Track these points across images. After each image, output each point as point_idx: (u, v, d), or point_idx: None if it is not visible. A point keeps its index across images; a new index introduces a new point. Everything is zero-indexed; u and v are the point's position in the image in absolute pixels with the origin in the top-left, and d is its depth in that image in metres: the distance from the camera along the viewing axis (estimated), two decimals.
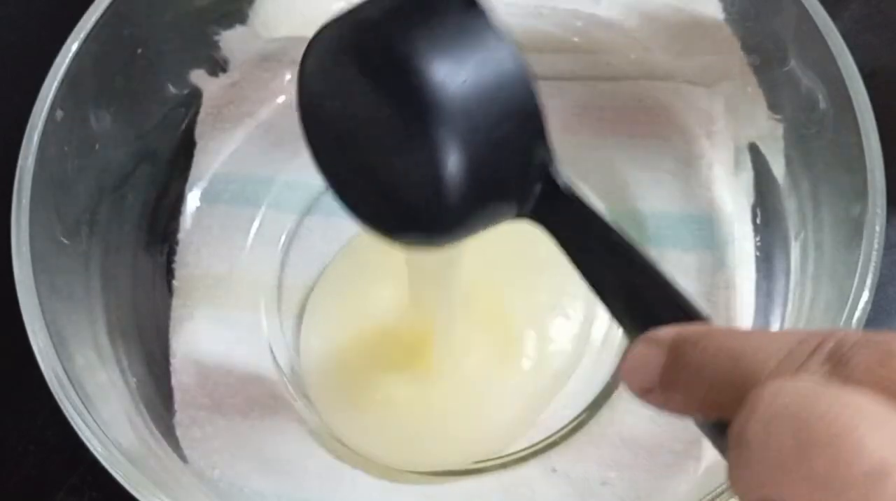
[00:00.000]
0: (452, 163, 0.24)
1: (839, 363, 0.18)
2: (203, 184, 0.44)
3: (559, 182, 0.26)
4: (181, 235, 0.43)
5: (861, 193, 0.34)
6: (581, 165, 0.44)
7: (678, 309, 0.23)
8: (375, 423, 0.40)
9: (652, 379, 0.21)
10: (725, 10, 0.41)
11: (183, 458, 0.38)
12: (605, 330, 0.41)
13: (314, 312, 0.42)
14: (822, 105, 0.37)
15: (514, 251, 0.41)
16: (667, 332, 0.22)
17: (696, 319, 0.23)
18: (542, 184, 0.26)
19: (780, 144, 0.40)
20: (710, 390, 0.20)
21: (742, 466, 0.18)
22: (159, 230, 0.43)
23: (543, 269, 0.41)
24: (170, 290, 0.42)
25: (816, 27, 0.36)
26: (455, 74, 0.23)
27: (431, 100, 0.23)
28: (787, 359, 0.19)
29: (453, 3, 0.24)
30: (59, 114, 0.37)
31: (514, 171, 0.25)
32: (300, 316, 0.42)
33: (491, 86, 0.24)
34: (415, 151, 0.24)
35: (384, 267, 0.42)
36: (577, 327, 0.41)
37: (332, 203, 0.44)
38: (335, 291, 0.43)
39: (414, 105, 0.24)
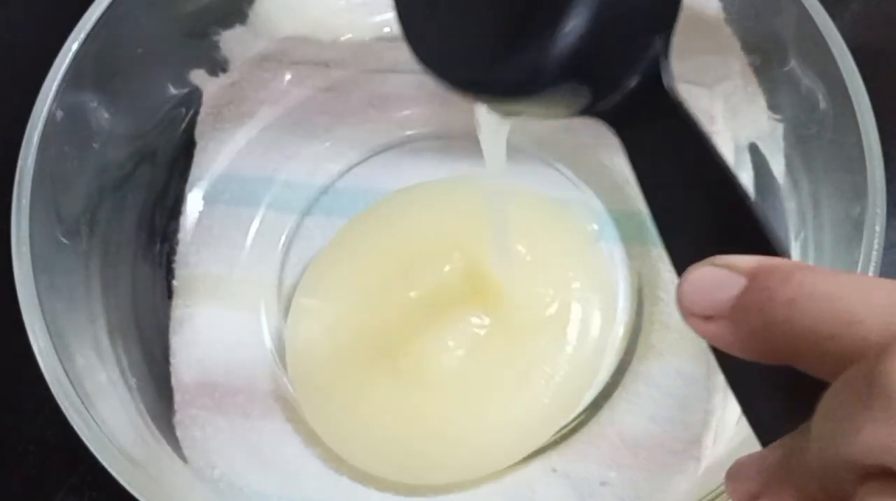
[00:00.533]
0: (578, 7, 0.21)
1: None
2: (203, 184, 0.44)
3: (665, 80, 0.23)
4: (181, 235, 0.43)
5: (861, 193, 0.34)
6: (581, 165, 0.44)
7: (765, 244, 0.20)
8: (368, 437, 0.39)
9: (721, 305, 0.18)
10: (725, 10, 0.41)
11: (183, 458, 0.38)
12: (601, 328, 0.41)
13: (299, 315, 0.42)
14: (822, 105, 0.37)
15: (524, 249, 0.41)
16: (747, 259, 0.19)
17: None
18: (644, 77, 0.23)
19: (780, 144, 0.40)
20: (797, 333, 0.17)
21: (875, 418, 0.15)
22: (159, 230, 0.43)
23: (549, 264, 0.41)
24: (170, 290, 0.42)
25: (816, 27, 0.36)
26: None
27: None
28: (889, 320, 0.16)
29: None
30: (59, 114, 0.37)
31: (628, 46, 0.23)
32: None
33: None
34: None
35: (372, 262, 0.41)
36: (595, 331, 0.40)
37: (332, 203, 0.45)
38: (321, 290, 0.42)
39: None
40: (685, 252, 0.21)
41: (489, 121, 0.29)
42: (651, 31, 0.23)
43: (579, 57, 0.22)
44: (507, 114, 0.27)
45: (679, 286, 0.19)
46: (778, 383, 0.19)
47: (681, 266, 0.21)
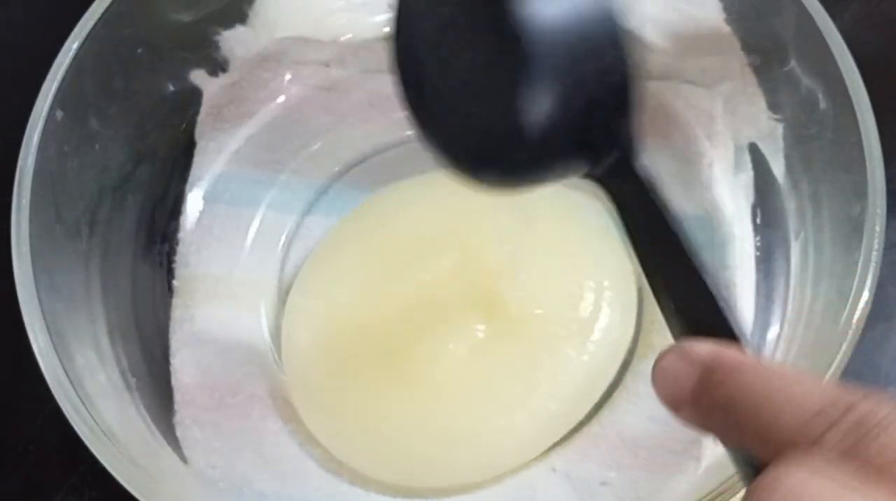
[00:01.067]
0: (541, 97, 0.24)
1: (861, 440, 0.18)
2: (203, 184, 0.44)
3: (634, 161, 0.26)
4: (181, 235, 0.43)
5: (861, 193, 0.34)
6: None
7: (720, 324, 0.23)
8: (367, 440, 0.38)
9: (683, 395, 0.21)
10: (725, 10, 0.41)
11: (183, 458, 0.38)
12: (605, 328, 0.40)
13: (294, 314, 0.41)
14: (822, 105, 0.37)
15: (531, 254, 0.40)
16: (702, 350, 0.21)
17: (735, 341, 0.22)
18: (618, 153, 0.26)
19: (780, 144, 0.40)
20: (733, 425, 0.20)
21: None
22: (159, 230, 0.43)
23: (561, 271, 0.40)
24: (170, 290, 0.42)
25: (816, 27, 0.36)
26: (561, 20, 0.24)
27: (531, 29, 0.24)
28: (809, 426, 0.19)
29: None
30: (59, 114, 0.37)
31: (594, 129, 0.25)
32: None
33: (593, 46, 0.24)
34: (507, 81, 0.24)
35: (370, 259, 0.41)
36: (613, 334, 0.39)
37: (332, 203, 0.45)
38: (316, 289, 0.42)
39: (512, 34, 0.24)
40: (664, 304, 0.25)
41: None
42: (614, 115, 0.25)
43: (555, 130, 0.25)
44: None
45: (652, 372, 0.22)
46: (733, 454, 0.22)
47: (664, 315, 0.24)
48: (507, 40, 0.24)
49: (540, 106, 0.24)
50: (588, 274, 0.40)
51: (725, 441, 0.21)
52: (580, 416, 0.39)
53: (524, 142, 0.25)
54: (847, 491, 0.17)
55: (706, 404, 0.21)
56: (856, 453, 0.18)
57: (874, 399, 0.18)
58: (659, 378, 0.22)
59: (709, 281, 0.23)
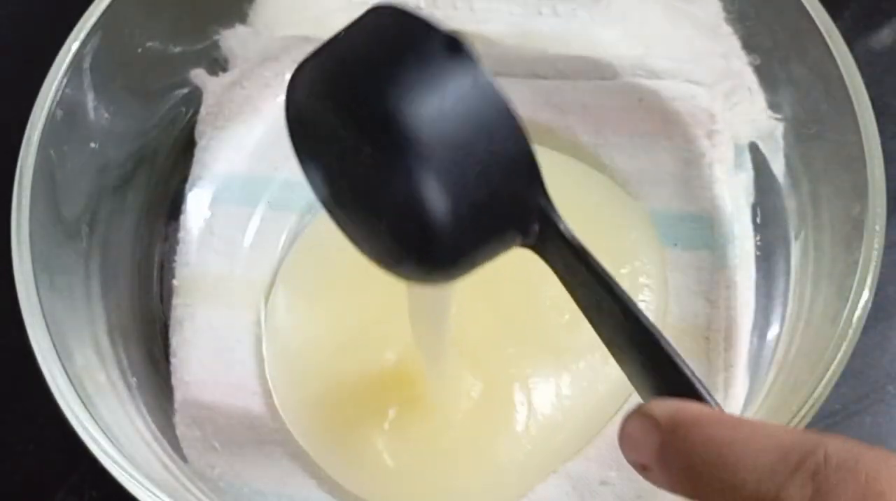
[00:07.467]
0: (438, 203, 0.23)
1: (819, 493, 0.18)
2: (203, 183, 0.44)
3: (560, 226, 0.25)
4: (181, 235, 0.43)
5: (861, 193, 0.34)
6: (581, 166, 0.44)
7: (682, 381, 0.23)
8: (361, 462, 0.38)
9: (648, 456, 0.21)
10: (725, 9, 0.41)
11: (183, 458, 0.38)
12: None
13: (275, 322, 0.41)
14: (822, 105, 0.37)
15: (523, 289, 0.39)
16: (663, 409, 0.22)
17: (699, 398, 0.22)
18: (540, 225, 0.25)
19: (780, 144, 0.40)
20: (698, 483, 0.20)
21: None
22: (159, 230, 0.43)
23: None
24: (170, 290, 0.42)
25: (816, 27, 0.36)
26: (439, 118, 0.23)
27: (412, 139, 0.23)
28: (770, 477, 0.19)
29: (440, 49, 0.23)
30: (59, 114, 0.37)
31: (507, 214, 0.25)
32: None
33: (478, 133, 0.23)
34: (400, 191, 0.23)
35: (348, 268, 0.40)
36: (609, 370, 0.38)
37: None
38: (297, 297, 0.41)
39: (394, 145, 0.23)
40: (618, 357, 0.25)
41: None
42: (518, 193, 0.24)
43: (466, 228, 0.24)
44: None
45: (619, 438, 0.22)
46: None
47: (620, 365, 0.25)
48: (390, 146, 0.23)
49: (442, 202, 0.23)
50: (620, 263, 0.40)
51: (696, 499, 0.21)
52: (586, 440, 0.39)
53: (437, 239, 0.24)
54: None
55: (671, 463, 0.21)
56: None
57: (824, 445, 0.19)
58: (625, 444, 0.22)
59: (661, 340, 0.23)
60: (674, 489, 0.21)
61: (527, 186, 0.24)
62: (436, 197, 0.23)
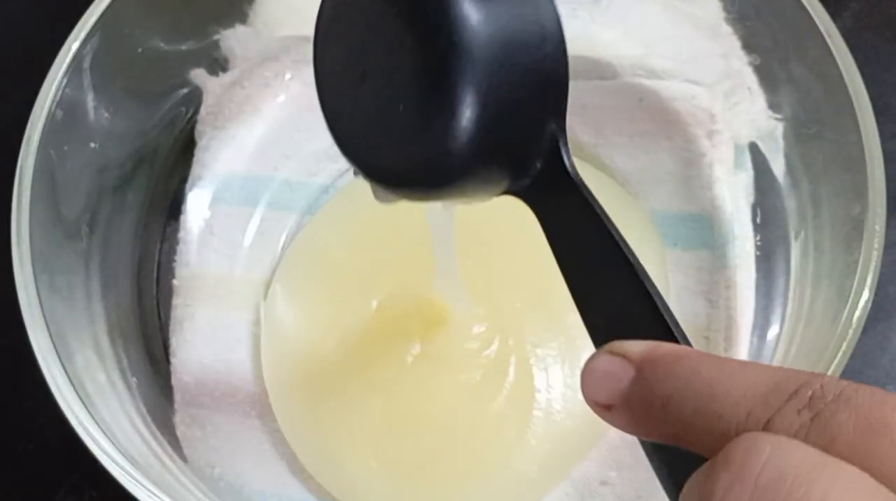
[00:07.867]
0: (469, 104, 0.23)
1: (819, 418, 0.17)
2: (203, 183, 0.44)
3: (566, 162, 0.25)
4: (181, 235, 0.43)
5: (861, 193, 0.34)
6: (581, 165, 0.44)
7: (660, 327, 0.22)
8: (356, 475, 0.38)
9: (615, 395, 0.20)
10: (725, 9, 0.41)
11: (183, 458, 0.38)
12: None
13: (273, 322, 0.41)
14: (822, 105, 0.37)
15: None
16: (638, 345, 0.20)
17: (676, 341, 0.21)
18: (546, 160, 0.25)
19: (780, 144, 0.40)
20: (676, 419, 0.19)
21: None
22: (159, 230, 0.43)
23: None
24: (170, 290, 0.42)
25: (816, 27, 0.36)
26: (490, 19, 0.23)
27: (461, 38, 0.23)
28: (763, 404, 0.17)
29: None
30: (59, 114, 0.37)
31: (524, 134, 0.24)
32: None
33: (524, 43, 0.23)
34: (433, 88, 0.23)
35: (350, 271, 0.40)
36: None
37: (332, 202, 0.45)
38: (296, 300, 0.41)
39: (442, 41, 0.23)
40: (594, 318, 0.23)
41: (436, 220, 0.31)
42: (543, 119, 0.24)
43: (480, 146, 0.24)
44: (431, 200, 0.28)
45: (581, 375, 0.21)
46: (664, 459, 0.21)
47: (593, 332, 0.23)
48: (431, 34, 0.23)
49: (475, 101, 0.23)
50: None
51: (663, 439, 0.19)
52: (585, 453, 0.38)
53: (458, 136, 0.23)
54: (824, 459, 0.16)
55: (643, 401, 0.19)
56: (816, 432, 0.17)
57: (818, 378, 0.17)
58: (588, 378, 0.20)
59: (650, 287, 0.23)
60: (638, 428, 0.20)
61: (554, 107, 0.24)
62: (470, 98, 0.23)
